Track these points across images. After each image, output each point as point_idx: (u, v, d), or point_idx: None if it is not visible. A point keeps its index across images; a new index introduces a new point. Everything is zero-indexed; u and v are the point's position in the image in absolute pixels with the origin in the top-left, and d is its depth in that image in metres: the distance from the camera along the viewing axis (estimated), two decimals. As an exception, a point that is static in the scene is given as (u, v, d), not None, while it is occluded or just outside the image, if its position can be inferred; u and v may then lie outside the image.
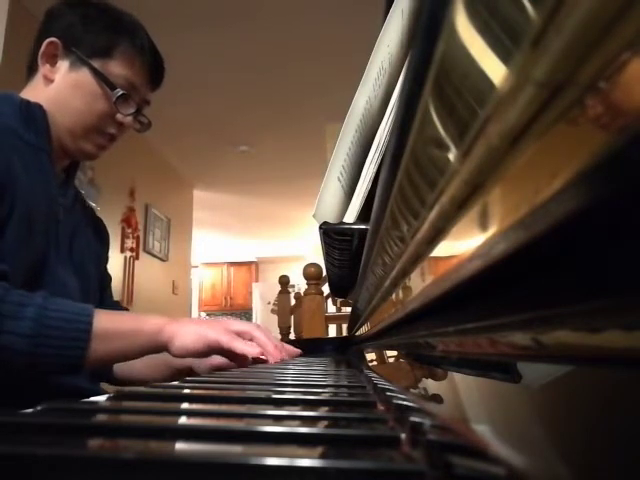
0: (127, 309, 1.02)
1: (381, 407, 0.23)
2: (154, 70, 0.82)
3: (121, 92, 0.76)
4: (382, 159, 0.52)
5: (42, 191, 0.70)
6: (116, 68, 0.77)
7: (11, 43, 2.09)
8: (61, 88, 0.76)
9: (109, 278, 0.98)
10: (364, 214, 0.55)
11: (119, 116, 0.79)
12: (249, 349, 0.64)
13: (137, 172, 3.62)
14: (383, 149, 0.52)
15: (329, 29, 2.57)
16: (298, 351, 0.86)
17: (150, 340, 0.64)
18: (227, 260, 7.44)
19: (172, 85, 3.29)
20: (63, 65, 0.76)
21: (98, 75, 0.76)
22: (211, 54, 2.77)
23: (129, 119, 0.80)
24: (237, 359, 0.68)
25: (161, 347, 0.65)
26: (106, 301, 0.93)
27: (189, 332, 0.65)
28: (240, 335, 0.67)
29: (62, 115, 0.76)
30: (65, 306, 0.60)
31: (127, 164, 3.43)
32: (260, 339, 0.67)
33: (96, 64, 0.76)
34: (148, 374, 0.86)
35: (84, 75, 0.76)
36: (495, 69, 0.10)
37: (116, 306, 0.97)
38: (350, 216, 0.57)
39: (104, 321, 0.61)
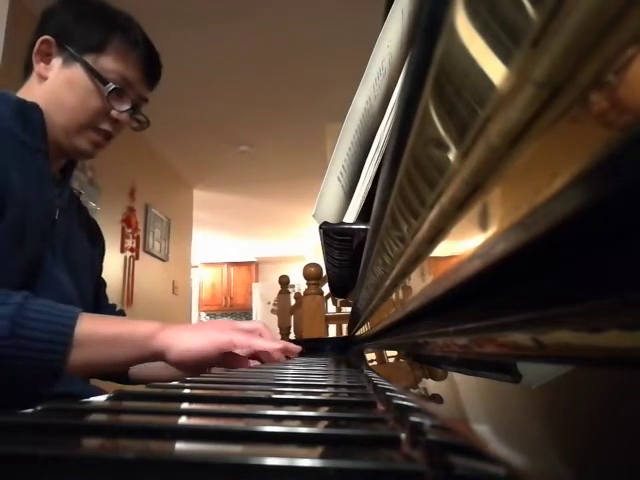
0: (123, 311, 0.99)
1: (381, 407, 0.23)
2: (149, 66, 0.81)
3: (113, 86, 0.75)
4: (382, 159, 0.52)
5: (38, 193, 0.69)
6: (108, 63, 0.76)
7: (11, 43, 2.09)
8: (54, 86, 0.76)
9: (104, 284, 0.96)
10: (364, 214, 0.55)
11: (114, 112, 0.78)
12: (270, 345, 0.61)
13: (137, 172, 3.62)
14: (383, 149, 0.52)
15: (329, 29, 2.57)
16: (299, 348, 0.84)
17: (141, 347, 0.59)
18: (227, 260, 7.45)
19: (172, 85, 3.30)
20: (57, 63, 0.76)
21: (90, 70, 0.75)
22: (211, 54, 2.78)
23: (124, 116, 0.79)
24: (240, 363, 0.64)
25: (154, 355, 0.60)
26: (104, 304, 0.92)
27: (194, 337, 0.60)
28: (250, 333, 0.64)
29: (56, 113, 0.75)
30: (47, 307, 0.55)
31: (127, 164, 3.43)
32: (270, 335, 0.66)
33: (88, 59, 0.75)
34: (166, 375, 0.79)
35: (77, 71, 0.75)
36: (495, 69, 0.10)
37: (112, 310, 0.95)
38: (350, 216, 0.57)
39: (88, 324, 0.56)
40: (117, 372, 0.81)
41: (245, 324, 0.66)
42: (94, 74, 0.75)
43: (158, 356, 0.60)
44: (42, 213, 0.70)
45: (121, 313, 0.97)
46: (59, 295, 0.69)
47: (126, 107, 0.79)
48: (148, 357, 0.60)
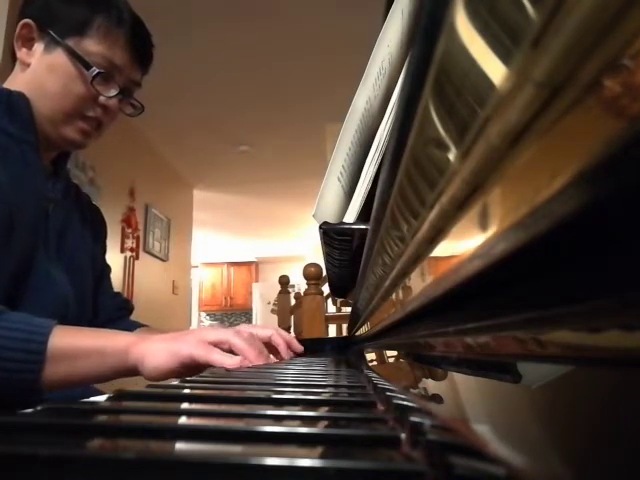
0: (129, 301, 0.97)
1: (381, 407, 0.23)
2: (137, 46, 0.75)
3: (97, 71, 0.70)
4: (382, 159, 0.52)
5: (28, 187, 0.67)
6: (92, 46, 0.70)
7: (11, 43, 2.08)
8: (37, 72, 0.71)
9: (108, 269, 0.93)
10: (364, 214, 0.55)
11: (102, 98, 0.73)
12: (228, 360, 0.56)
13: (137, 172, 3.62)
14: (383, 149, 0.52)
15: (329, 29, 2.57)
16: (300, 347, 0.80)
17: (117, 361, 0.57)
18: (227, 260, 7.45)
19: (172, 85, 3.29)
20: (39, 48, 0.72)
21: (72, 54, 0.70)
22: (211, 54, 2.78)
23: (114, 102, 0.74)
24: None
25: (130, 369, 0.57)
26: (106, 293, 0.90)
27: (160, 350, 0.57)
28: (217, 345, 0.59)
29: (40, 102, 0.71)
30: (19, 324, 0.53)
31: (127, 164, 3.44)
32: (239, 346, 0.59)
33: (70, 43, 0.70)
34: None
35: (59, 56, 0.70)
36: (495, 69, 0.10)
37: (117, 297, 0.94)
38: (350, 216, 0.57)
39: (63, 339, 0.54)
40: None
41: (214, 334, 0.60)
42: (76, 58, 0.70)
43: (134, 370, 0.58)
44: (33, 209, 0.68)
45: (127, 302, 0.95)
46: (53, 294, 0.69)
47: (113, 92, 0.73)
48: (125, 371, 0.58)
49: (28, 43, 0.72)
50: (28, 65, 0.72)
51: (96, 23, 0.71)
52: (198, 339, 0.59)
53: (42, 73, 0.71)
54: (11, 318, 0.54)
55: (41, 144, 0.73)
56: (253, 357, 0.59)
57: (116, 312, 0.90)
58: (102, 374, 0.57)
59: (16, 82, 0.72)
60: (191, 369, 0.58)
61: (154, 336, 0.60)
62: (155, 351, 0.57)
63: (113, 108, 0.75)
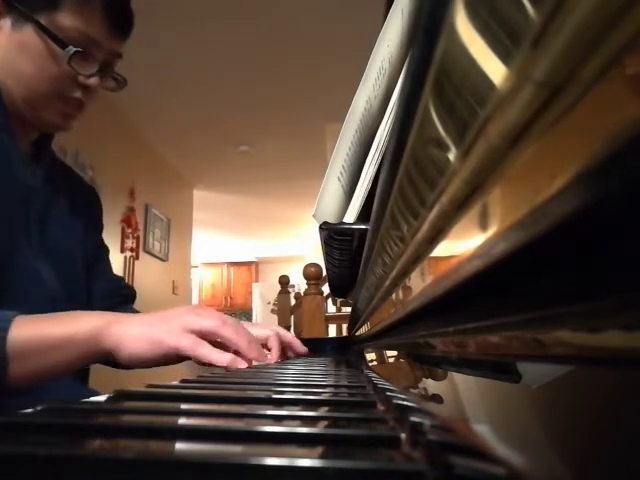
0: (129, 286, 0.89)
1: (381, 407, 0.23)
2: (115, 15, 0.67)
3: (74, 49, 0.63)
4: (382, 159, 0.52)
5: (3, 175, 0.61)
6: (65, 20, 0.63)
7: None
8: (7, 51, 0.64)
9: (105, 250, 0.86)
10: (364, 214, 0.55)
11: (81, 78, 0.66)
12: (217, 357, 0.51)
13: (137, 172, 3.62)
14: (383, 149, 0.52)
15: (329, 28, 2.57)
16: (304, 349, 0.77)
17: (88, 348, 0.51)
18: (227, 260, 7.46)
19: (172, 84, 3.28)
20: (6, 24, 0.64)
21: (44, 31, 0.62)
22: (211, 53, 2.78)
23: (94, 80, 0.67)
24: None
25: (104, 354, 0.52)
26: (101, 277, 0.83)
27: (139, 336, 0.50)
28: (204, 336, 0.53)
29: (14, 83, 0.65)
30: None
31: (127, 164, 3.44)
32: (230, 338, 0.53)
33: (41, 19, 0.63)
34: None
35: (29, 34, 0.63)
36: (495, 69, 0.10)
37: (117, 282, 0.88)
38: (350, 216, 0.57)
39: (25, 333, 0.48)
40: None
41: (201, 322, 0.54)
42: (49, 36, 0.63)
43: (110, 355, 0.52)
44: (9, 198, 0.62)
45: (126, 288, 0.89)
46: (37, 291, 0.65)
47: (93, 70, 0.67)
48: (99, 357, 0.53)
49: None
50: None
51: None
52: (182, 327, 0.52)
53: (13, 52, 0.64)
54: None
55: (17, 128, 0.67)
56: (245, 348, 0.54)
57: (112, 298, 0.82)
58: (73, 364, 0.52)
59: None
60: (173, 359, 0.53)
61: (132, 317, 0.54)
62: (134, 337, 0.51)
63: (94, 87, 0.69)
